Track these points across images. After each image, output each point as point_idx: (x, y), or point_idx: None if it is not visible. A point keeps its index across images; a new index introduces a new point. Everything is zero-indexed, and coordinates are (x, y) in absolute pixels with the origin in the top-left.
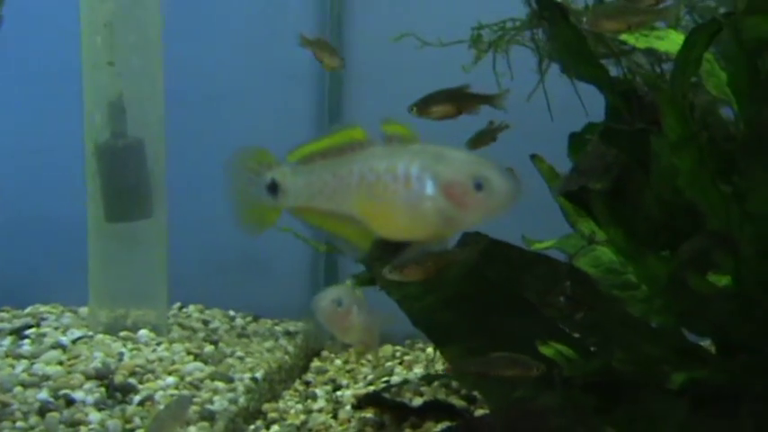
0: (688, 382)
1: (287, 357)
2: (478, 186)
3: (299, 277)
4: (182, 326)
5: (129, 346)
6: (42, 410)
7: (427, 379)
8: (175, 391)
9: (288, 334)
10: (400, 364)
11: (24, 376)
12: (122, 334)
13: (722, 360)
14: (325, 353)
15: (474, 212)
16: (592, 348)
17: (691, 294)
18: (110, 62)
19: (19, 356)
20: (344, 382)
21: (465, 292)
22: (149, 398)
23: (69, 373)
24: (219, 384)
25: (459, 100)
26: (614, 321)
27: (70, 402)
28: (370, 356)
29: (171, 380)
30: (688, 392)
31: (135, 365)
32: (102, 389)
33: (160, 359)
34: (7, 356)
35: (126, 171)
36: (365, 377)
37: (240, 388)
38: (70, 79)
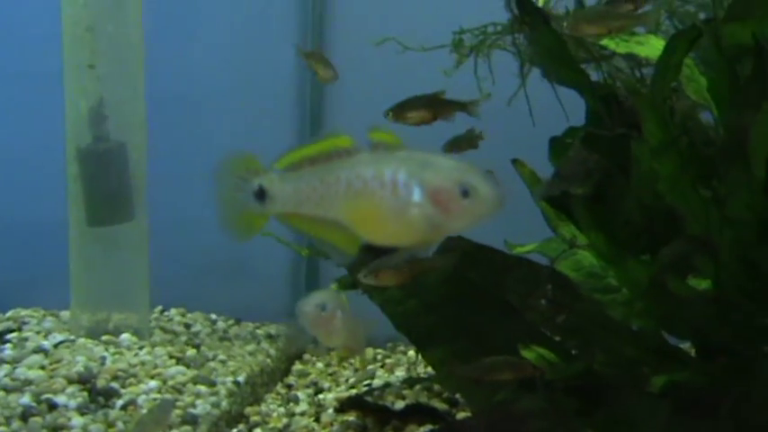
0: (669, 385)
1: (269, 360)
2: (465, 193)
3: (281, 280)
4: (164, 329)
5: (112, 350)
6: (25, 415)
7: (409, 382)
8: (158, 395)
9: (269, 337)
10: (382, 367)
11: (6, 381)
12: (104, 338)
13: (702, 363)
14: (306, 356)
15: (460, 219)
16: (573, 351)
17: (671, 298)
18: (91, 65)
19: (0, 361)
20: (326, 385)
21: (447, 295)
22: (132, 402)
23: (51, 377)
24: (202, 388)
25: (435, 106)
26: (595, 325)
27: (53, 407)
28: (355, 360)
29: (153, 384)
30: (669, 395)
31: (117, 369)
32: (85, 393)
33: (142, 363)
34: None
35: (108, 175)
36: (347, 380)
37: (222, 391)
38: (52, 83)
